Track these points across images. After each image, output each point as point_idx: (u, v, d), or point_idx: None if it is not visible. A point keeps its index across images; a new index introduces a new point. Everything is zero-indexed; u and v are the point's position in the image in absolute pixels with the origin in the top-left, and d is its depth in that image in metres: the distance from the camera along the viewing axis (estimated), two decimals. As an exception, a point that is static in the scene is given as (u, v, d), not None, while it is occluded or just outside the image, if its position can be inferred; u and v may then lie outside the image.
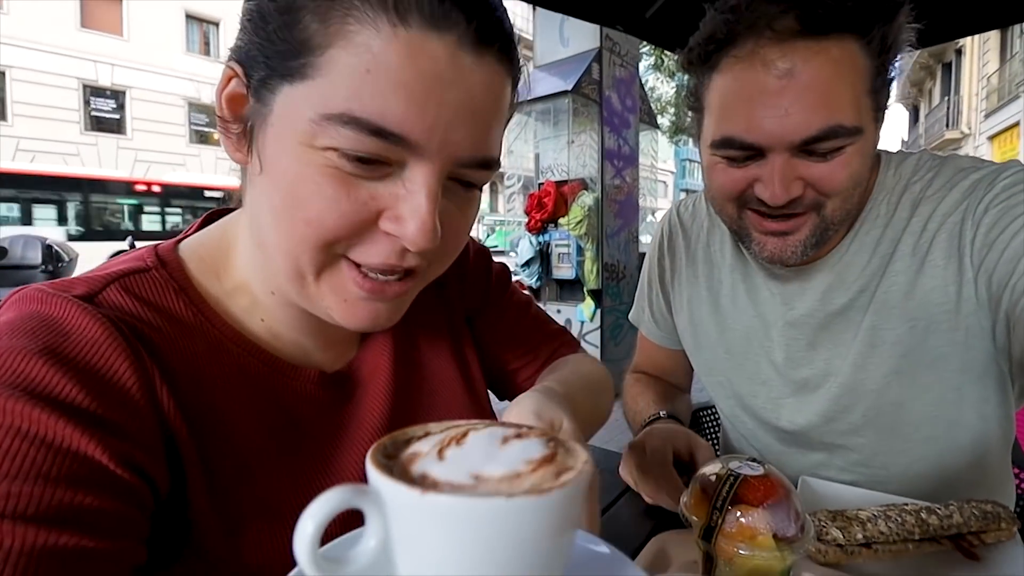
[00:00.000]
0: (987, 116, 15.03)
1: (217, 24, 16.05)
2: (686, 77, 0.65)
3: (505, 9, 0.36)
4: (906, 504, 0.56)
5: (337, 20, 0.32)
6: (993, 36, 13.93)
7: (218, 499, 0.38)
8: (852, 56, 0.54)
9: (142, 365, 0.35)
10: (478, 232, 13.43)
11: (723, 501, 0.44)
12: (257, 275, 0.43)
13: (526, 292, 0.77)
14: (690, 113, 0.67)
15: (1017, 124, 13.07)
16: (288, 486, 0.41)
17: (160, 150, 15.01)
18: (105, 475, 0.31)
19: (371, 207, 0.35)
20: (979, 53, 15.28)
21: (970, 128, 16.26)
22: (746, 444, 0.84)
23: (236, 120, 0.37)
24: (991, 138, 14.78)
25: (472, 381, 0.57)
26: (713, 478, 0.48)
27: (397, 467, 0.23)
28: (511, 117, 0.42)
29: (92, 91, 14.03)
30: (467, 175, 0.38)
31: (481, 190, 0.42)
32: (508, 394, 0.64)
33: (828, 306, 0.68)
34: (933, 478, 0.70)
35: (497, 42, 0.35)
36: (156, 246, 0.43)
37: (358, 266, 0.38)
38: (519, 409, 0.40)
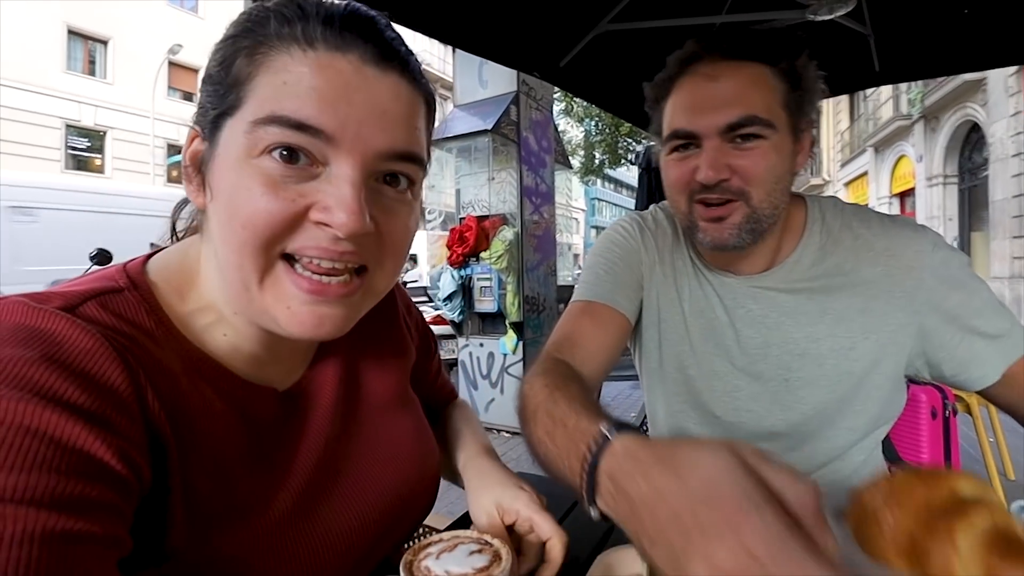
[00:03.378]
0: (843, 166, 17.51)
1: (106, 43, 14.73)
2: (654, 113, 0.80)
3: (400, 38, 0.44)
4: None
5: (259, 55, 0.40)
6: (844, 99, 16.41)
7: (191, 501, 0.41)
8: (763, 76, 0.71)
9: (131, 371, 0.39)
10: (395, 266, 13.08)
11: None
12: (221, 296, 0.47)
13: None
14: (657, 145, 0.82)
15: (866, 173, 15.36)
16: (254, 490, 0.46)
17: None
18: (105, 469, 0.34)
19: (299, 203, 0.40)
20: (833, 112, 17.90)
21: (830, 176, 18.83)
22: None
23: (197, 171, 0.44)
24: (846, 184, 17.20)
25: (411, 402, 0.66)
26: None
27: (416, 565, 0.46)
28: (431, 132, 0.49)
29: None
30: (390, 167, 0.43)
31: (416, 196, 0.47)
32: None
33: (780, 308, 0.80)
34: (848, 468, 0.83)
35: (395, 61, 0.42)
36: (125, 266, 0.46)
37: (293, 265, 0.42)
38: (487, 501, 0.58)
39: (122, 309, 0.42)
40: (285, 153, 0.39)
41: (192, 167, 0.44)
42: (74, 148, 14.30)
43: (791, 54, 0.72)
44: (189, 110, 0.46)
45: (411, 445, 0.61)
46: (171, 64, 14.39)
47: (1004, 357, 0.72)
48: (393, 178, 0.44)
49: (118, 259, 0.49)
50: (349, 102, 0.39)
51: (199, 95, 0.44)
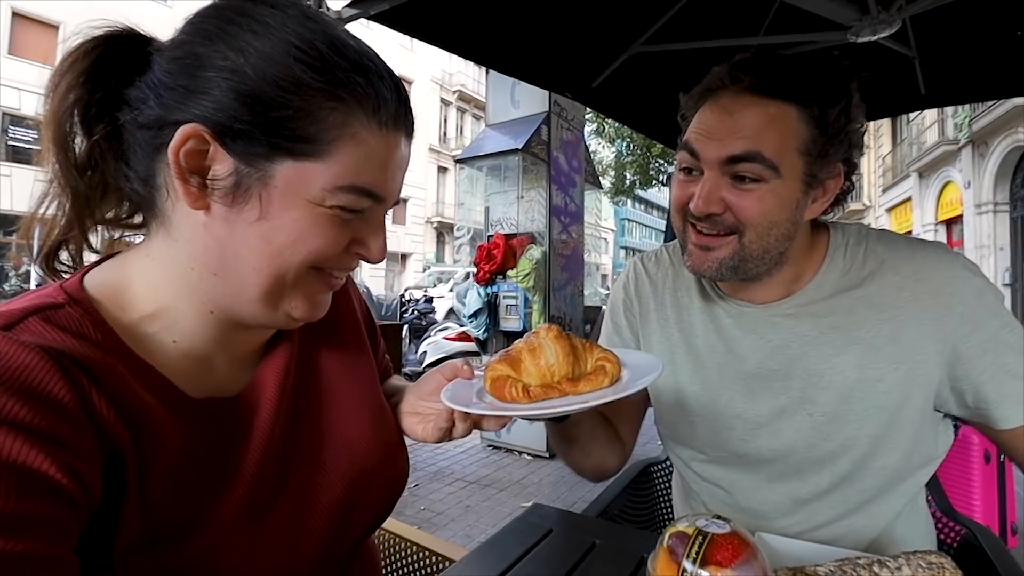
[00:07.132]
0: (884, 191, 16.96)
1: (56, 27, 13.03)
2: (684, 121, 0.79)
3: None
4: (859, 558, 0.57)
5: (342, 124, 0.44)
6: (886, 123, 15.96)
7: (145, 511, 0.40)
8: (787, 117, 0.67)
9: (77, 383, 0.38)
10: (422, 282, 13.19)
11: (693, 563, 0.43)
12: (189, 299, 0.48)
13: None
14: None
15: (909, 199, 14.82)
16: (204, 500, 0.45)
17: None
18: (49, 484, 0.34)
19: (348, 238, 0.49)
20: (875, 136, 17.41)
21: (870, 201, 18.25)
22: (708, 486, 0.84)
23: (195, 173, 0.43)
24: (888, 210, 16.62)
25: (371, 388, 0.65)
26: (680, 537, 0.47)
27: None
28: None
29: None
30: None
31: None
32: None
33: (802, 338, 0.75)
34: (886, 514, 0.76)
35: (412, 129, 0.51)
36: (62, 284, 0.46)
37: (320, 273, 0.50)
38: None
39: (66, 323, 0.42)
40: (351, 211, 0.47)
41: (189, 167, 0.42)
42: (15, 139, 12.54)
43: (828, 99, 0.67)
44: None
45: (367, 416, 0.61)
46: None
47: None
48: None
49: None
50: (396, 170, 0.49)
51: (226, 97, 0.41)
